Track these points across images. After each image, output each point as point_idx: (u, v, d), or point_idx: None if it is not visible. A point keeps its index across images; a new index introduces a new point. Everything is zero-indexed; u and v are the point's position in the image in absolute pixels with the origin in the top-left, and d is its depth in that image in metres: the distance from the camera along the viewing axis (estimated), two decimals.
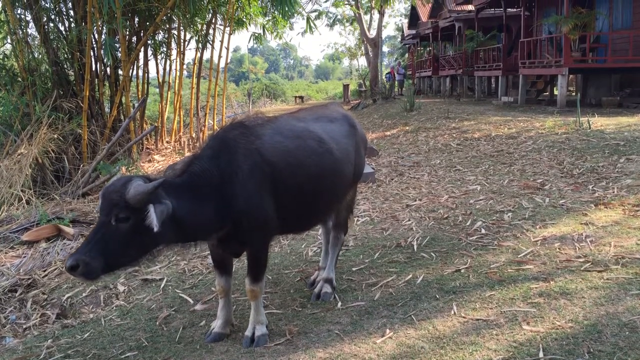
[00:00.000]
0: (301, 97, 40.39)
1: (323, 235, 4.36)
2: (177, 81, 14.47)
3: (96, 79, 11.17)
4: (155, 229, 2.74)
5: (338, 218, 4.17)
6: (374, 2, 27.78)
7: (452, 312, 3.47)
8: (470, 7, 23.38)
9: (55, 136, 9.22)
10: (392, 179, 8.23)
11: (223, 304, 3.54)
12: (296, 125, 3.62)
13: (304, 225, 3.95)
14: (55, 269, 5.21)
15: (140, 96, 13.03)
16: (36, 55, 10.89)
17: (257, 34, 15.81)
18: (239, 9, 14.23)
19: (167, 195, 2.92)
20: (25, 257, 5.56)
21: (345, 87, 35.40)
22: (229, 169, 3.15)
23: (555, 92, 16.40)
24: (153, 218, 2.74)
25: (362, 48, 40.95)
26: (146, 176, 3.07)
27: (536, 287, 3.68)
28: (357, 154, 4.00)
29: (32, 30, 11.16)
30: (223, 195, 3.10)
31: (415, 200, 6.65)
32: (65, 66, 11.18)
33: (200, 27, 14.36)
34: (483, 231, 5.11)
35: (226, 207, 3.11)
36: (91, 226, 6.07)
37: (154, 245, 2.98)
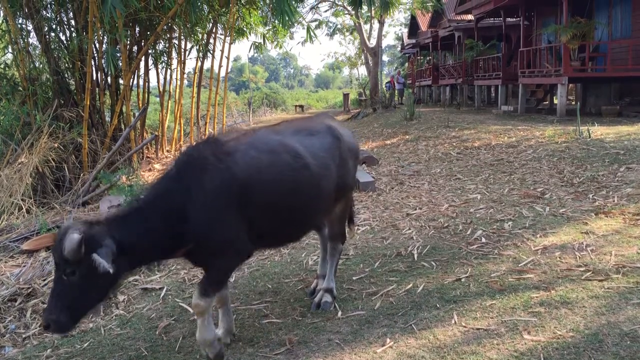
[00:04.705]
0: (301, 106, 40.34)
1: (321, 244, 4.35)
2: (177, 90, 14.51)
3: (97, 88, 11.19)
4: (111, 271, 2.73)
5: (332, 230, 4.11)
6: (373, 11, 27.90)
7: (453, 322, 3.46)
8: (470, 17, 23.48)
9: (56, 145, 9.23)
10: (393, 188, 8.24)
11: (222, 313, 3.53)
12: (272, 138, 3.48)
13: (282, 241, 3.90)
14: None
15: (140, 105, 13.06)
16: (37, 65, 10.92)
17: (257, 43, 15.91)
18: (239, 19, 14.33)
19: (113, 230, 2.89)
20: (25, 266, 5.55)
21: (345, 96, 35.45)
22: (191, 189, 3.06)
23: (555, 101, 16.44)
24: (103, 264, 2.72)
25: (362, 57, 40.99)
26: (89, 221, 2.96)
27: (537, 296, 3.67)
28: (342, 167, 3.81)
29: (33, 39, 11.20)
30: (182, 215, 3.02)
31: (416, 209, 6.65)
32: (66, 75, 11.20)
33: (200, 37, 14.43)
34: (483, 240, 5.11)
35: (185, 228, 3.03)
36: None
37: (114, 282, 2.95)
